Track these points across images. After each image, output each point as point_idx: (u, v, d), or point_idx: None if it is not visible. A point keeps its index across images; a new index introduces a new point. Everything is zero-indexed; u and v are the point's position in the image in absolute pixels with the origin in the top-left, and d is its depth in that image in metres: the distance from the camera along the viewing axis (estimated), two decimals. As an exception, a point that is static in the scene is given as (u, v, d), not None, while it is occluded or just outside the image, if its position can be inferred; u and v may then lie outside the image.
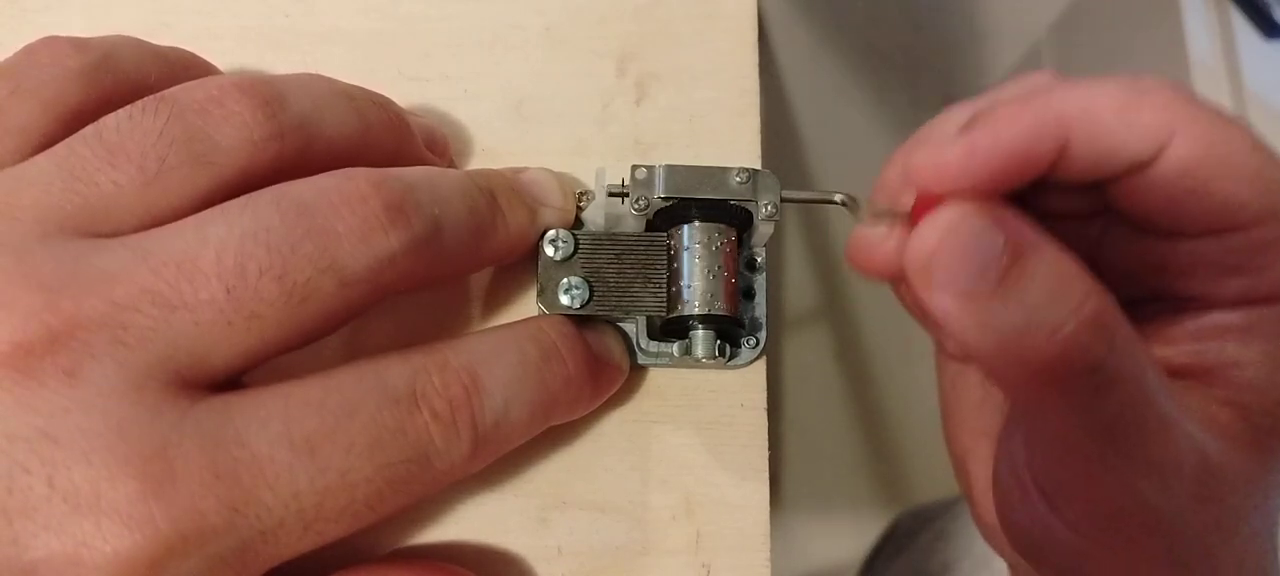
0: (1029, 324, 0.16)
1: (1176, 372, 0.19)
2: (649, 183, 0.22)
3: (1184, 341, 0.20)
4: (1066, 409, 0.17)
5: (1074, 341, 0.16)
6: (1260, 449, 0.19)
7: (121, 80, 0.21)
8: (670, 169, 0.22)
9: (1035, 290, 0.16)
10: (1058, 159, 0.19)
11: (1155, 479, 0.17)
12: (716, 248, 0.23)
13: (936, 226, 0.18)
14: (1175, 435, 0.17)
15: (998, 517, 0.21)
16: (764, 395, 0.25)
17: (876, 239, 0.21)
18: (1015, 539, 0.21)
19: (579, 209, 0.24)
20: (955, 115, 0.21)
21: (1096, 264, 0.18)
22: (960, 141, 0.18)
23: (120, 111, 0.19)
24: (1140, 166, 0.19)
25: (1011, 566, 0.25)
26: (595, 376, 0.23)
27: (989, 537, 0.23)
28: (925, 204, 0.19)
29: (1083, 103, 0.19)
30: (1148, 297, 0.21)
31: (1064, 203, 0.21)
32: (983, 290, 0.17)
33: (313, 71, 0.22)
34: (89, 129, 0.19)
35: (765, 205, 0.22)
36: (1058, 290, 0.16)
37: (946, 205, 0.18)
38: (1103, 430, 0.17)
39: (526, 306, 0.25)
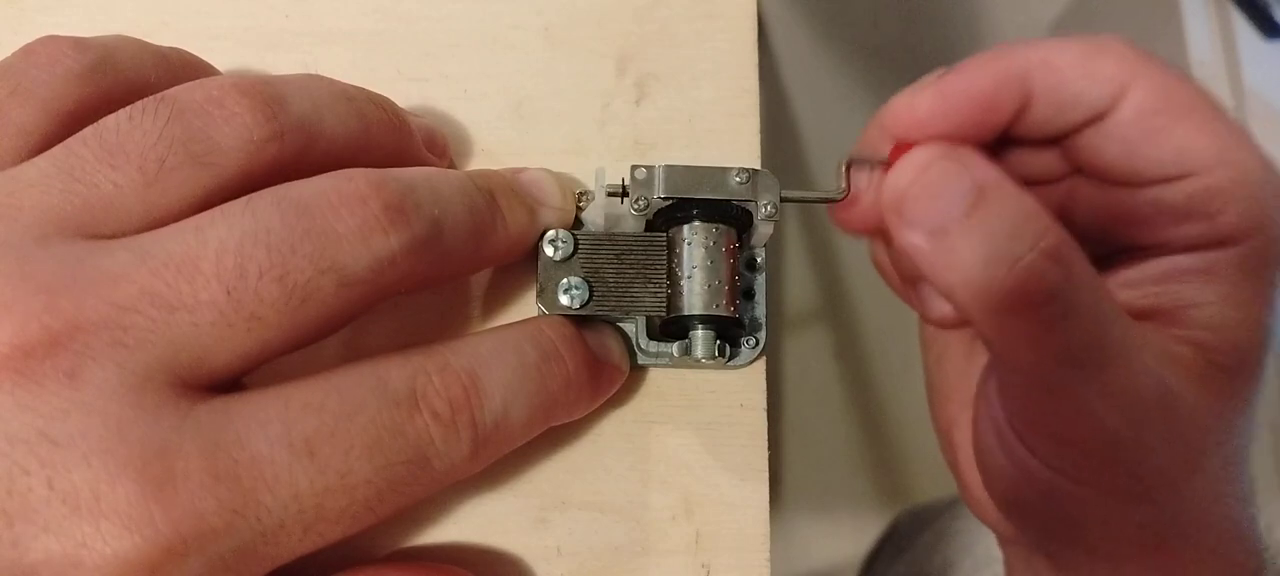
0: (992, 257, 0.18)
1: (1139, 315, 0.20)
2: (648, 183, 0.22)
3: (1145, 284, 0.21)
4: (1029, 337, 0.18)
5: (1032, 270, 0.17)
6: (1221, 386, 0.20)
7: (121, 80, 0.21)
8: (670, 169, 0.22)
9: (998, 225, 0.18)
10: (1022, 108, 0.20)
11: (1116, 404, 0.18)
12: (716, 248, 0.23)
13: (908, 167, 0.19)
14: (1134, 363, 0.18)
15: (981, 476, 0.22)
16: (764, 395, 0.25)
17: (858, 191, 0.22)
18: (997, 492, 0.22)
19: (579, 209, 0.24)
20: (927, 77, 0.22)
21: (1064, 222, 0.19)
22: (931, 87, 0.20)
23: (120, 112, 0.19)
24: (1099, 115, 0.20)
25: (1002, 540, 0.25)
26: (595, 377, 0.23)
27: (975, 507, 0.24)
28: (900, 150, 0.20)
29: (1044, 55, 0.20)
30: (1111, 253, 0.22)
31: (1033, 165, 0.23)
32: (950, 226, 0.18)
33: (313, 72, 0.22)
34: (89, 130, 0.19)
35: (765, 205, 0.22)
36: (1019, 225, 0.18)
37: (917, 148, 0.19)
38: (1063, 356, 0.18)
39: (526, 307, 0.25)
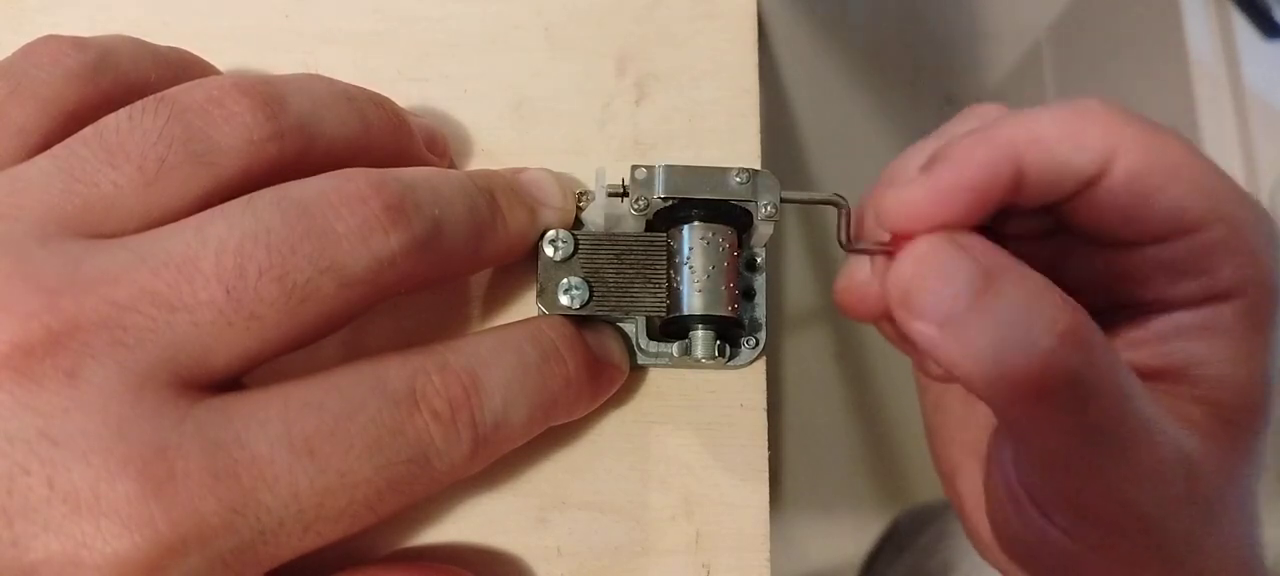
0: (1007, 344, 0.17)
1: (1145, 376, 0.20)
2: (648, 183, 0.22)
3: (1149, 344, 0.21)
4: (1052, 422, 0.18)
5: (1052, 357, 0.17)
6: (1234, 440, 0.20)
7: (120, 80, 0.21)
8: (670, 169, 0.22)
9: (1009, 309, 0.17)
10: (1016, 186, 0.20)
11: (1142, 481, 0.18)
12: (716, 248, 0.23)
13: (911, 258, 0.19)
14: (1159, 438, 0.18)
15: (993, 531, 0.22)
16: (764, 395, 0.25)
17: (862, 282, 0.22)
18: (1011, 550, 0.21)
19: (579, 209, 0.24)
20: (914, 155, 0.22)
21: (1059, 280, 0.19)
22: (924, 182, 0.19)
23: (120, 112, 0.19)
24: (1089, 183, 0.20)
25: None
26: (595, 377, 0.23)
27: (984, 552, 0.24)
28: (900, 241, 0.20)
29: (1031, 131, 0.20)
30: (1110, 307, 0.22)
31: (1022, 226, 0.23)
32: (960, 313, 0.18)
33: (313, 72, 0.22)
34: (89, 129, 0.19)
35: (765, 205, 0.22)
36: (1031, 308, 0.17)
37: (919, 238, 0.19)
38: (1089, 439, 0.18)
39: (526, 307, 0.25)
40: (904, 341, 0.24)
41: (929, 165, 0.20)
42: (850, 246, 0.22)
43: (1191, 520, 0.19)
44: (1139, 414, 0.18)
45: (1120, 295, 0.21)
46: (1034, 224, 0.22)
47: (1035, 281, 0.18)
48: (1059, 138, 0.20)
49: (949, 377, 0.23)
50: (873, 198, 0.21)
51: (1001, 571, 0.24)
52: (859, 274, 0.22)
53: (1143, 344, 0.21)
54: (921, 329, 0.18)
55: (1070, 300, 0.18)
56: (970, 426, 0.24)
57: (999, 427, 0.21)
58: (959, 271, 0.18)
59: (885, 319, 0.22)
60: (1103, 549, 0.19)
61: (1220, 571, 0.20)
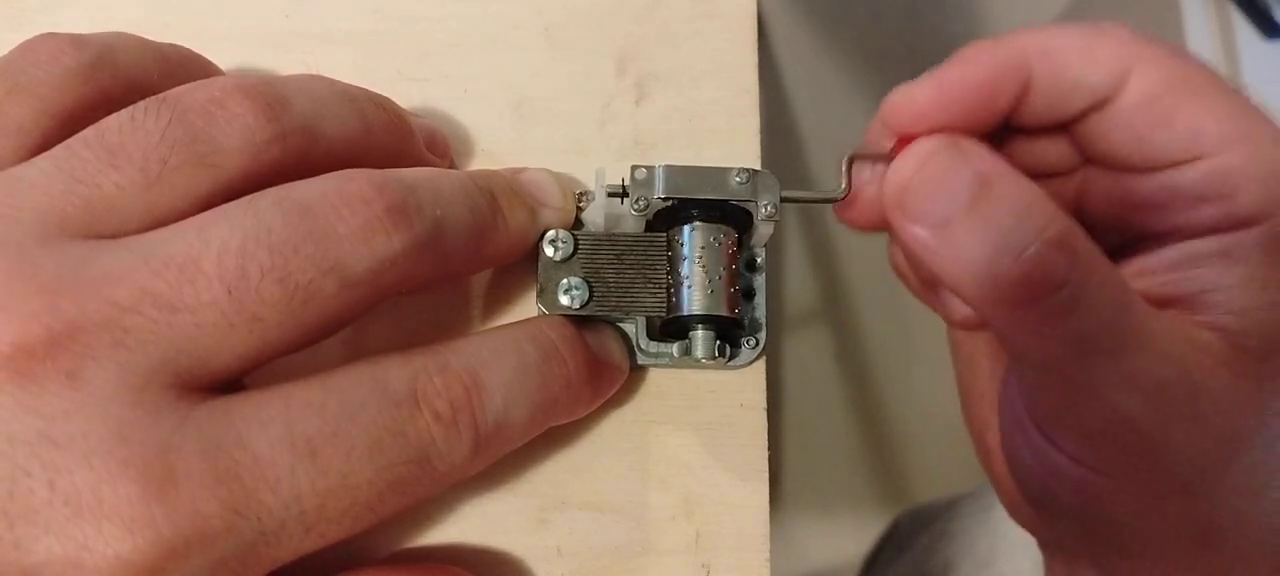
0: (997, 248, 0.17)
1: (1159, 303, 0.20)
2: (648, 183, 0.22)
3: (1163, 272, 0.20)
4: (1042, 330, 0.18)
5: (1038, 260, 0.17)
6: (1249, 371, 0.19)
7: (120, 78, 0.21)
8: (670, 169, 0.22)
9: (1002, 216, 0.18)
10: (1022, 96, 0.20)
11: (1137, 391, 0.18)
12: (716, 248, 0.23)
13: (910, 160, 0.19)
14: (1153, 349, 0.18)
15: (1011, 476, 0.22)
16: (764, 395, 0.25)
17: (862, 187, 0.22)
18: (1028, 490, 0.21)
19: (579, 209, 0.24)
20: (925, 73, 0.22)
21: (1078, 216, 0.18)
22: (930, 78, 0.20)
23: (122, 112, 0.19)
24: (1102, 102, 0.20)
25: (1043, 546, 0.25)
26: (595, 377, 0.23)
27: (1012, 511, 0.24)
28: (903, 144, 0.20)
29: (1043, 42, 0.20)
30: (1129, 244, 0.21)
31: (1042, 157, 0.22)
32: (953, 218, 0.18)
33: (313, 72, 0.22)
34: (90, 130, 0.19)
35: (765, 205, 0.22)
36: (1023, 214, 0.17)
37: (919, 141, 0.19)
38: (1076, 346, 0.18)
39: (526, 307, 0.25)
40: (915, 279, 0.24)
41: (938, 67, 0.20)
42: (855, 154, 0.22)
43: (1203, 445, 0.18)
44: (1132, 324, 0.18)
45: (1140, 226, 0.21)
46: (1053, 156, 0.22)
47: (1028, 189, 0.18)
48: (1071, 51, 0.20)
49: (976, 322, 0.23)
50: (882, 105, 0.21)
51: (1032, 531, 0.24)
52: (860, 177, 0.22)
53: (1155, 272, 0.20)
54: (915, 232, 0.18)
55: (1062, 211, 0.18)
56: (998, 381, 0.24)
57: (1008, 363, 0.21)
58: (956, 176, 0.18)
59: (884, 228, 0.22)
60: (1112, 474, 0.19)
61: (1245, 516, 0.19)
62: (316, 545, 0.18)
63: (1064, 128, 0.21)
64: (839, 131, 1.11)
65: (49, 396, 0.16)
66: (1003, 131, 0.22)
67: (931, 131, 0.20)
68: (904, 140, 0.20)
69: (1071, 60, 0.20)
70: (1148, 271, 0.20)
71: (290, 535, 0.18)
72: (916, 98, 0.20)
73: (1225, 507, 0.19)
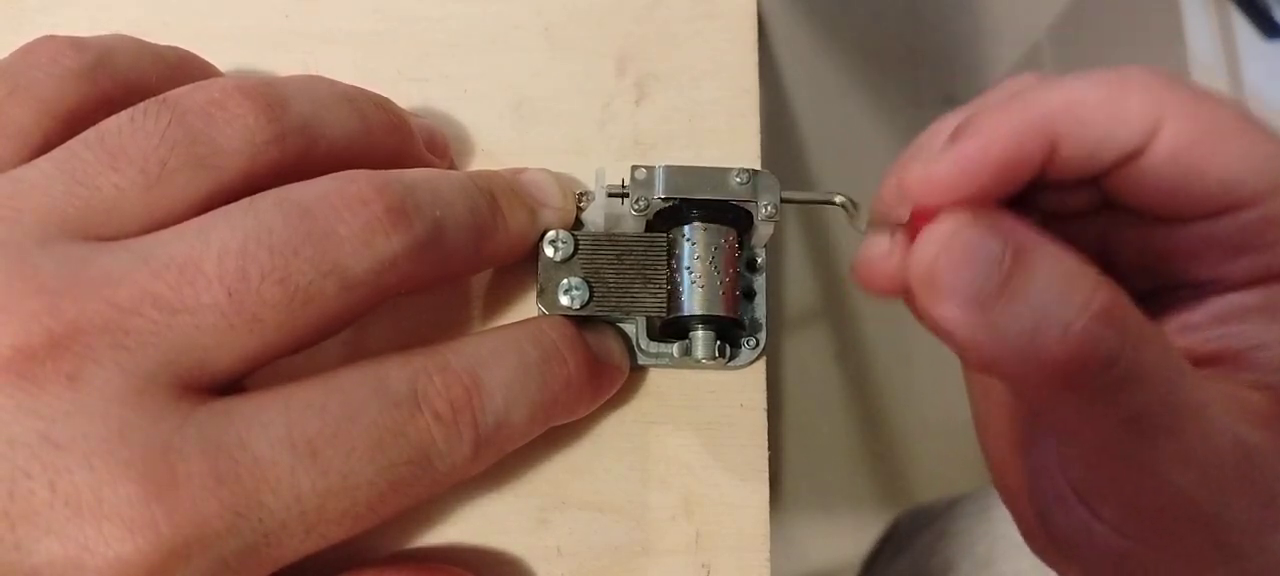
0: (1038, 325, 0.16)
1: (1201, 361, 0.19)
2: (648, 183, 0.22)
3: (1205, 328, 0.19)
4: (1090, 408, 0.17)
5: (1086, 336, 0.16)
6: None
7: (120, 80, 0.21)
8: (670, 169, 0.22)
9: (1041, 290, 0.16)
10: (1049, 158, 0.19)
11: (1192, 469, 0.17)
12: (716, 248, 0.23)
13: (934, 239, 0.17)
14: (1208, 422, 0.17)
15: (1041, 529, 0.21)
16: (764, 395, 0.25)
17: (880, 256, 0.20)
18: (1062, 549, 0.20)
19: (579, 209, 0.24)
20: (944, 125, 0.21)
21: (1106, 260, 0.18)
22: (948, 153, 0.18)
23: (122, 114, 0.19)
24: (1132, 156, 0.19)
25: None
26: (595, 377, 0.23)
27: (1036, 549, 0.23)
28: (923, 216, 0.18)
29: (1067, 99, 0.19)
30: (1163, 289, 0.20)
31: (1065, 202, 0.21)
32: (988, 297, 0.16)
33: (313, 73, 0.22)
34: (90, 132, 0.19)
35: (765, 206, 0.22)
36: (1064, 287, 0.16)
37: (942, 217, 0.18)
38: (1130, 425, 0.17)
39: (526, 307, 0.25)
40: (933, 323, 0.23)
41: (955, 135, 0.19)
42: (870, 224, 0.21)
43: (1253, 513, 0.17)
44: (1187, 397, 0.17)
45: (1172, 275, 0.20)
46: (1077, 200, 0.21)
47: (1067, 260, 0.17)
48: (1098, 106, 0.18)
49: (986, 370, 0.22)
50: (897, 169, 0.20)
51: (1052, 567, 0.23)
52: (878, 247, 0.21)
53: (1196, 328, 0.19)
54: (946, 314, 0.17)
55: (1106, 278, 0.17)
56: (1020, 422, 0.22)
57: (1041, 421, 0.20)
58: (986, 252, 0.17)
59: (905, 295, 0.21)
60: (1157, 545, 0.18)
61: None
62: (317, 546, 0.18)
63: (1089, 181, 0.20)
64: (839, 131, 1.12)
65: (49, 398, 0.16)
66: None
67: (953, 204, 0.18)
68: (922, 214, 0.19)
69: (1098, 116, 0.18)
70: (1189, 327, 0.19)
71: (291, 536, 0.18)
72: (935, 174, 0.18)
73: (1271, 567, 0.18)
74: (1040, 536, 0.21)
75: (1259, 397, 0.18)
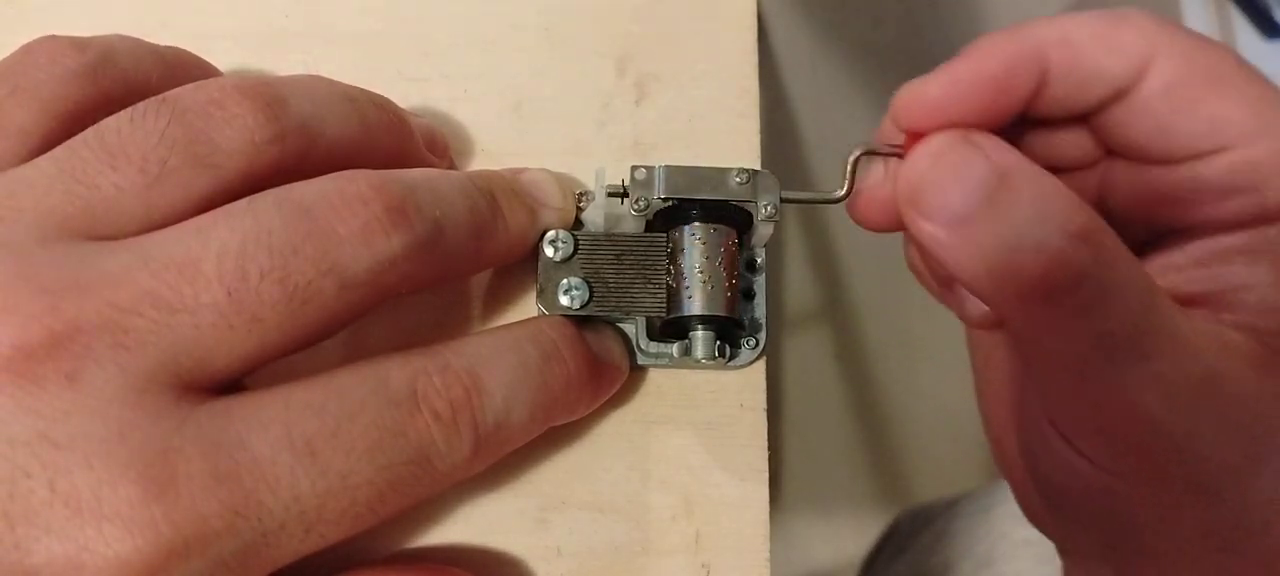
0: (1016, 243, 0.17)
1: (1185, 301, 0.19)
2: (648, 183, 0.22)
3: (1189, 269, 0.20)
4: (1062, 326, 0.17)
5: (1059, 255, 0.16)
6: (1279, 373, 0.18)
7: (120, 80, 0.21)
8: (670, 169, 0.22)
9: (1021, 210, 0.17)
10: (1039, 88, 0.19)
11: (1162, 393, 0.17)
12: (716, 248, 0.23)
13: (922, 156, 0.18)
14: (1180, 349, 0.17)
15: (1030, 481, 0.21)
16: (764, 395, 0.25)
17: (874, 184, 0.21)
18: (1047, 494, 0.21)
19: (578, 209, 0.24)
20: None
21: (1102, 209, 0.18)
22: (941, 72, 0.19)
23: (122, 114, 0.19)
24: (1123, 91, 0.19)
25: (1062, 552, 0.24)
26: (595, 377, 0.23)
27: (1031, 516, 0.23)
28: (914, 140, 0.19)
29: (1060, 31, 0.19)
30: (1154, 237, 0.21)
31: (1059, 149, 0.22)
32: (970, 214, 0.17)
33: (313, 72, 0.22)
34: (90, 131, 0.19)
35: (765, 206, 0.22)
36: (1043, 208, 0.17)
37: (931, 136, 0.18)
38: (1101, 344, 0.17)
39: (526, 307, 0.25)
40: (932, 277, 0.23)
41: (950, 61, 0.19)
42: (865, 149, 0.21)
43: (1230, 449, 0.18)
44: (1159, 323, 0.17)
45: (1165, 220, 0.20)
46: (1072, 147, 0.21)
47: (1048, 181, 0.17)
48: (1089, 40, 0.19)
49: (992, 321, 0.22)
50: (893, 101, 0.20)
51: (1051, 537, 0.23)
52: (872, 176, 0.21)
53: (1181, 268, 0.20)
54: (930, 230, 0.18)
55: (1084, 204, 0.17)
56: (1017, 385, 0.23)
57: (1025, 360, 0.20)
58: (972, 170, 0.17)
59: (897, 226, 0.21)
60: (1134, 477, 0.18)
61: (1276, 519, 0.18)
62: (317, 546, 0.18)
63: (1083, 119, 0.20)
64: (839, 131, 1.11)
65: (49, 397, 0.16)
66: (1019, 124, 0.21)
67: (944, 127, 0.19)
68: (915, 137, 0.19)
69: (1090, 49, 0.19)
70: (1174, 267, 0.20)
71: (290, 535, 0.18)
72: (927, 92, 0.19)
73: (1253, 514, 0.18)
74: (1030, 490, 0.22)
75: (1239, 337, 0.18)
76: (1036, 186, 0.17)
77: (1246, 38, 0.77)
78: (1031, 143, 0.21)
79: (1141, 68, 0.19)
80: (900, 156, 0.20)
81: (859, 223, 0.22)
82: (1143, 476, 0.18)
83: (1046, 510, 0.22)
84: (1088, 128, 0.21)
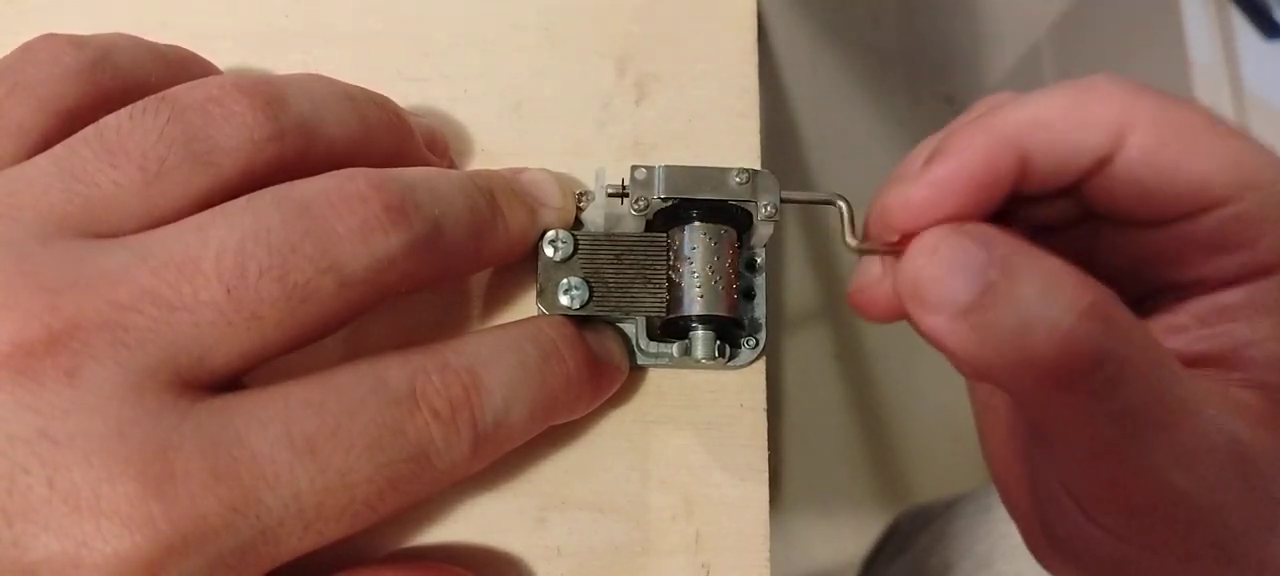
0: (1027, 327, 0.16)
1: (1191, 362, 0.19)
2: (648, 183, 0.22)
3: (1192, 329, 0.19)
4: (1081, 407, 0.17)
5: (1074, 334, 0.16)
6: None
7: (120, 78, 0.21)
8: (669, 169, 0.22)
9: (1027, 293, 0.16)
10: (1022, 173, 0.19)
11: (1186, 466, 0.17)
12: (716, 248, 0.23)
13: (920, 251, 0.18)
14: (1201, 418, 0.17)
15: (1043, 538, 0.21)
16: (764, 395, 0.25)
17: (873, 282, 0.21)
18: (1064, 558, 0.20)
19: (578, 209, 0.24)
20: (921, 151, 0.21)
21: (1092, 267, 0.18)
22: (922, 176, 0.19)
23: (121, 112, 0.19)
24: (1102, 162, 0.19)
25: None
26: (595, 377, 0.23)
27: (1041, 560, 0.23)
28: (909, 239, 0.19)
29: (1032, 114, 0.19)
30: (1149, 294, 0.21)
31: (1047, 214, 0.21)
32: (974, 304, 0.17)
33: (313, 72, 0.22)
34: (90, 129, 0.19)
35: (765, 206, 0.22)
36: (1050, 289, 0.16)
37: (926, 232, 0.18)
38: (1122, 422, 0.17)
39: (526, 307, 0.25)
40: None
41: (928, 159, 0.19)
42: (859, 248, 0.21)
43: (1251, 514, 0.17)
44: (1178, 393, 0.17)
45: (1157, 279, 0.20)
46: (1059, 211, 0.21)
47: (1051, 262, 0.17)
48: (1064, 117, 0.19)
49: (979, 376, 0.22)
50: (878, 197, 0.20)
51: (1056, 575, 0.23)
52: (870, 273, 0.21)
53: (1183, 329, 0.19)
54: (935, 323, 0.17)
55: (1091, 278, 0.17)
56: (1021, 433, 0.23)
57: (1038, 428, 0.20)
58: (969, 260, 0.17)
59: (902, 318, 0.21)
60: (1156, 548, 0.18)
61: None
62: (316, 543, 0.18)
63: (1065, 191, 0.20)
64: (839, 131, 1.12)
65: (48, 394, 0.16)
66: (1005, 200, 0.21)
67: (933, 225, 0.19)
68: (908, 236, 0.19)
69: (1063, 127, 0.19)
70: (1177, 328, 0.19)
71: (289, 533, 0.18)
72: (911, 197, 0.19)
73: (1270, 571, 0.18)
74: (1044, 547, 0.21)
75: (1251, 396, 0.18)
76: (1039, 266, 0.17)
77: (1246, 38, 0.77)
78: (1018, 212, 0.21)
79: (1118, 136, 0.19)
80: (896, 255, 0.19)
81: (863, 318, 0.22)
82: (1166, 547, 0.18)
83: (1057, 560, 0.21)
84: (1072, 195, 0.21)
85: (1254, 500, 0.17)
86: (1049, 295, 0.16)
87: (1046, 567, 0.23)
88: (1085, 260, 0.18)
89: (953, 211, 0.19)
